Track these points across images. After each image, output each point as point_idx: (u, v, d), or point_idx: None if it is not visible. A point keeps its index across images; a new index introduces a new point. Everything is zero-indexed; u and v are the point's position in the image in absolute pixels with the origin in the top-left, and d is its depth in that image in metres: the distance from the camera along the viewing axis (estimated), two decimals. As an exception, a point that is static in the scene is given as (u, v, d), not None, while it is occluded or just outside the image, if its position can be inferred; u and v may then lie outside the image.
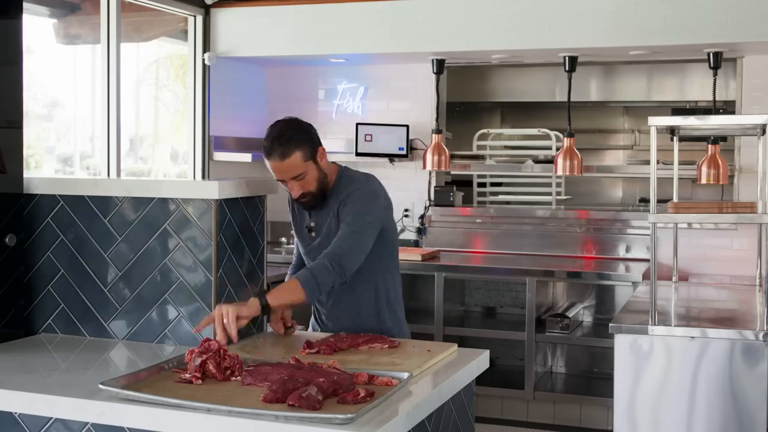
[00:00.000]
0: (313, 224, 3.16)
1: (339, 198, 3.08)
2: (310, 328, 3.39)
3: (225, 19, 5.93)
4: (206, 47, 5.91)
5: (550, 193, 6.20)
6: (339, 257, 2.91)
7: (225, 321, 2.60)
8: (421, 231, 6.25)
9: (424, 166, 5.83)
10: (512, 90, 7.24)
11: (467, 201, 6.39)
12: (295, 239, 3.32)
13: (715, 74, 5.30)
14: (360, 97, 6.40)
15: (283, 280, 3.09)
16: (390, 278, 3.24)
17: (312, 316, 3.39)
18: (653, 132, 3.69)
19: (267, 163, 3.00)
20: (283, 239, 6.25)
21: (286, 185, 3.05)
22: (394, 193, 6.20)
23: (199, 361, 2.37)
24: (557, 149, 5.84)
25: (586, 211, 6.07)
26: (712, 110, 5.44)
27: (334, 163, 3.17)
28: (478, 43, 5.47)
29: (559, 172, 5.59)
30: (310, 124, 3.09)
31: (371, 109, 6.38)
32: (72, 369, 2.61)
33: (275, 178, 3.04)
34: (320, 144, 3.06)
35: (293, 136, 2.98)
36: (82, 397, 2.23)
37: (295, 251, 3.38)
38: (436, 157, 5.75)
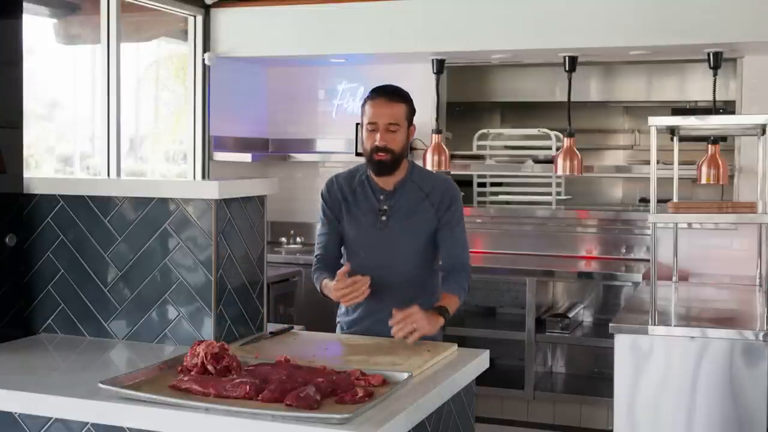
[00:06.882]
0: (386, 208, 3.14)
1: (422, 189, 3.15)
2: (337, 329, 3.29)
3: (225, 19, 5.92)
4: (206, 47, 5.90)
5: (550, 193, 6.20)
6: (468, 266, 3.21)
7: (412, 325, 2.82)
8: (421, 231, 6.23)
9: (424, 166, 5.82)
10: (512, 90, 7.23)
11: (467, 201, 6.39)
12: (323, 233, 3.24)
13: (715, 74, 5.29)
14: (360, 97, 6.39)
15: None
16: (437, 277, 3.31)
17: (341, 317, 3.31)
18: (653, 132, 3.69)
19: (368, 106, 3.07)
20: (283, 239, 6.24)
21: (373, 135, 3.05)
22: (394, 193, 6.21)
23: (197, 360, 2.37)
24: (557, 149, 5.84)
25: (586, 211, 6.06)
26: (712, 110, 5.43)
27: None
28: (478, 43, 5.46)
29: (559, 172, 5.59)
30: None
31: (371, 109, 6.36)
32: (72, 369, 2.62)
33: (368, 120, 3.05)
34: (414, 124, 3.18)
35: (405, 93, 3.14)
36: (82, 397, 2.23)
37: (321, 244, 3.26)
38: (436, 157, 5.74)
